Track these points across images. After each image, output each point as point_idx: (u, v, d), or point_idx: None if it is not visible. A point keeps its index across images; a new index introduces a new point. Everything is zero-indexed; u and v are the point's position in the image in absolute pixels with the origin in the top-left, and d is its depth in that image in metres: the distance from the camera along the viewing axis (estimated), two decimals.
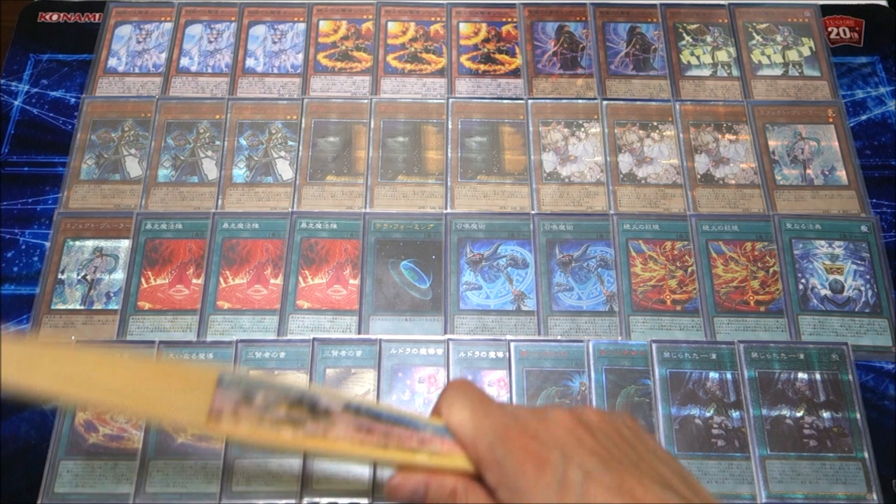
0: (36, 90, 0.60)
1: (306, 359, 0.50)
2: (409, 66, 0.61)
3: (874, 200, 0.56)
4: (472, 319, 0.51)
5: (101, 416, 0.48)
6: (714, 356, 0.50)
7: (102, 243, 0.54)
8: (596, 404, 0.48)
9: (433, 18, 0.63)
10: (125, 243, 0.54)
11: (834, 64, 0.61)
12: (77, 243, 0.54)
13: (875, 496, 0.46)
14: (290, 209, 0.55)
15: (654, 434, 0.48)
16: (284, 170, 0.57)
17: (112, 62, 0.61)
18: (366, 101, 0.59)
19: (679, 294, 0.52)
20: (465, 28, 0.63)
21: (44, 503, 0.46)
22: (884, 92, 0.60)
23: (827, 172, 0.57)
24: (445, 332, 0.51)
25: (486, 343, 0.50)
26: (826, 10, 0.64)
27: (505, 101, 0.59)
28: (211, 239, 0.54)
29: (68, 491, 0.46)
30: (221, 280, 0.52)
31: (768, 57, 0.62)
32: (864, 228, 0.54)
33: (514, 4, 0.64)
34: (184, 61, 0.61)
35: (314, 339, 0.50)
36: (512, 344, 0.50)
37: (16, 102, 0.59)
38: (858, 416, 0.48)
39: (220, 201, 0.55)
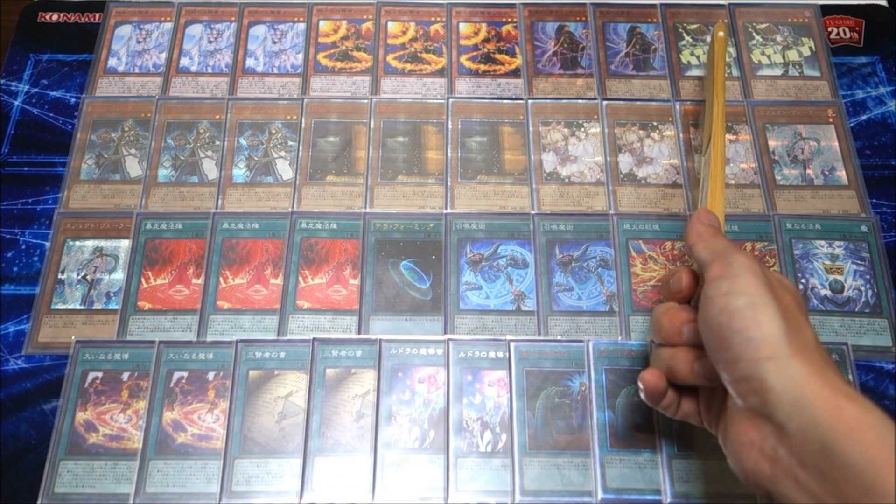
0: (36, 90, 0.60)
1: (306, 359, 0.50)
2: (409, 66, 0.61)
3: (874, 200, 0.56)
4: (472, 319, 0.51)
5: (101, 416, 0.48)
6: None
7: (102, 243, 0.54)
8: (596, 404, 0.48)
9: (433, 18, 0.63)
10: (125, 243, 0.54)
11: (834, 64, 0.61)
12: (77, 243, 0.54)
13: None
14: (290, 209, 0.55)
15: (652, 435, 0.48)
16: (284, 170, 0.57)
17: (112, 62, 0.61)
18: (366, 101, 0.59)
19: None
20: (465, 28, 0.63)
21: (44, 503, 0.46)
22: (884, 92, 0.60)
23: (827, 172, 0.57)
24: (445, 332, 0.51)
25: (486, 343, 0.50)
26: (826, 10, 0.64)
27: (505, 101, 0.59)
28: (211, 239, 0.54)
29: (68, 491, 0.46)
30: (221, 280, 0.52)
31: (768, 57, 0.62)
32: (864, 228, 0.54)
33: (514, 4, 0.64)
34: (184, 61, 0.61)
35: (314, 339, 0.50)
36: (512, 344, 0.50)
37: (16, 102, 0.59)
38: None
39: (220, 201, 0.55)
